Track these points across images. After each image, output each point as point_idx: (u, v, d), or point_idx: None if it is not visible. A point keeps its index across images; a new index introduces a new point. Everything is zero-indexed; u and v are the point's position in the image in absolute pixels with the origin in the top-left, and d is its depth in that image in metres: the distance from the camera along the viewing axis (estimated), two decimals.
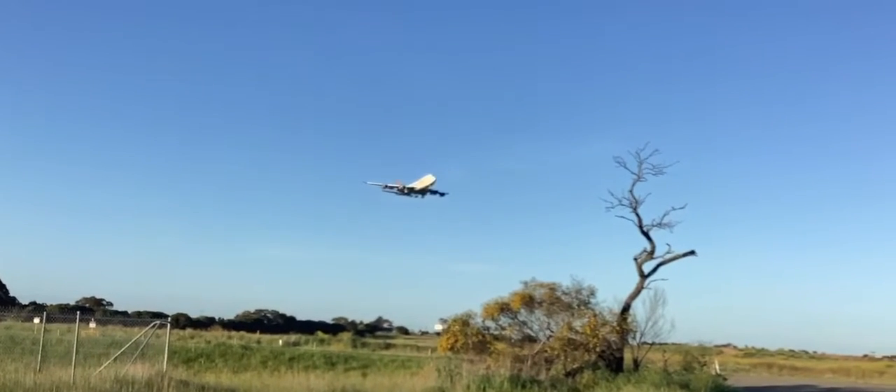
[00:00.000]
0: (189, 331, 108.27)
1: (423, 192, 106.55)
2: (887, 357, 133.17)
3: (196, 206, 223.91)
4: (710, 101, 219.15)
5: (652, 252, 48.65)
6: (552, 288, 46.03)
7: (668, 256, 48.62)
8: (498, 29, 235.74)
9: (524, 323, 47.04)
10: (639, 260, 48.77)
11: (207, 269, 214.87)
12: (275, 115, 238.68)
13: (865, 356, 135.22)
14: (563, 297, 45.84)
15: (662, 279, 48.44)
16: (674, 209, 47.76)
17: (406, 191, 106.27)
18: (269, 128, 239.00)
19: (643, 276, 48.34)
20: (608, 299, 47.33)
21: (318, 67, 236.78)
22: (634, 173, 49.01)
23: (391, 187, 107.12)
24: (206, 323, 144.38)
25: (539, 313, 46.58)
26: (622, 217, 49.17)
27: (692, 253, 49.15)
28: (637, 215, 48.89)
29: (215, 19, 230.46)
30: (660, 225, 48.28)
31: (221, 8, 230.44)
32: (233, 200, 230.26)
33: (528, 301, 45.90)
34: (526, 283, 46.52)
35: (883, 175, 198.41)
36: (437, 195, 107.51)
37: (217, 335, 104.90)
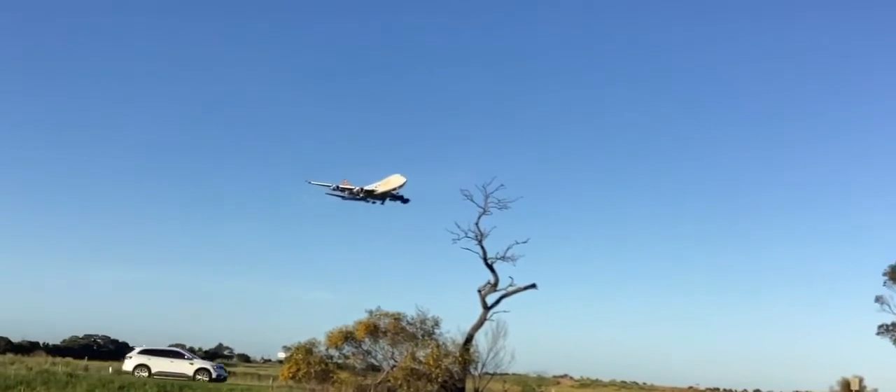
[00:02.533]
0: (10, 356, 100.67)
1: (384, 196, 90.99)
2: (710, 388, 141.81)
3: (17, 222, 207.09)
4: (555, 138, 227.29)
5: (495, 284, 49.82)
6: (397, 318, 46.29)
7: (510, 289, 49.89)
8: (357, 51, 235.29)
9: (368, 352, 47.04)
10: (482, 292, 49.83)
11: (31, 291, 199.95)
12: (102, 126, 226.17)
13: (690, 388, 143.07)
14: (407, 327, 46.19)
15: (504, 311, 49.64)
16: (517, 243, 49.05)
17: (362, 194, 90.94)
18: None
19: (486, 308, 49.37)
20: (452, 330, 47.99)
21: (158, 88, 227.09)
22: (480, 207, 50.09)
23: (342, 189, 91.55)
24: (28, 348, 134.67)
25: (383, 343, 46.68)
26: (468, 249, 50.09)
27: (533, 286, 50.67)
28: (482, 248, 49.97)
29: None
30: (503, 258, 49.50)
31: None
32: (60, 216, 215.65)
33: (373, 330, 45.94)
34: (371, 312, 46.54)
35: (716, 213, 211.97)
36: (400, 201, 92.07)
37: (40, 361, 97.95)
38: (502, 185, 50.36)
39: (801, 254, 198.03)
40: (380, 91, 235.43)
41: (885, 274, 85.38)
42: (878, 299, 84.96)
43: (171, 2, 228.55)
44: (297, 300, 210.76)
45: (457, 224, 50.10)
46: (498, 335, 48.65)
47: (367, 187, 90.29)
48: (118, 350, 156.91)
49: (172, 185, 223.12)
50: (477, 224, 49.99)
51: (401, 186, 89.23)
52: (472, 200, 50.38)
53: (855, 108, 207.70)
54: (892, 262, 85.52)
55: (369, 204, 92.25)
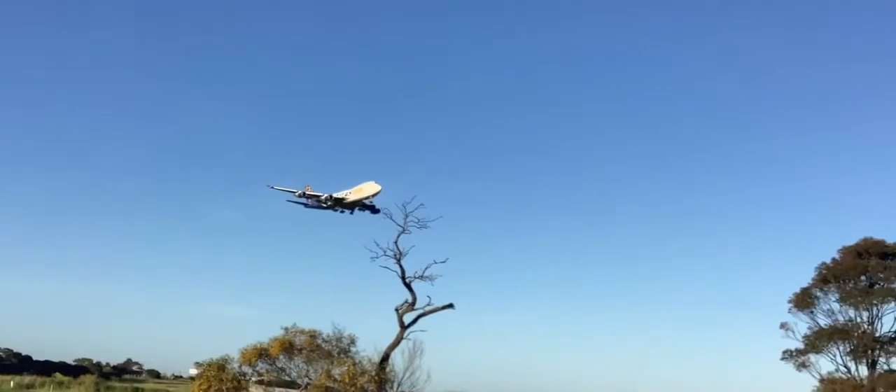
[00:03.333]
0: None
1: (353, 205, 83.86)
2: None
3: None
4: (476, 161, 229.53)
5: (413, 303, 50.08)
6: (313, 335, 46.19)
7: (428, 308, 50.27)
8: (282, 65, 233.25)
9: (283, 369, 46.72)
10: (400, 311, 50.01)
11: None
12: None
13: None
14: (323, 345, 46.13)
15: (422, 330, 49.95)
16: (436, 262, 49.45)
17: (329, 202, 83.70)
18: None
19: (403, 327, 49.55)
20: (368, 348, 48.15)
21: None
22: (400, 226, 50.25)
23: (308, 197, 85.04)
24: None
25: (299, 360, 46.51)
26: (386, 267, 50.17)
27: (451, 306, 51.07)
28: (400, 267, 50.23)
29: None
30: (422, 277, 49.90)
31: None
32: None
33: (289, 347, 45.70)
34: (287, 330, 46.34)
35: (629, 239, 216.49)
36: (370, 211, 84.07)
37: None
38: (422, 205, 50.83)
39: (713, 280, 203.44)
40: (303, 107, 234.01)
41: (790, 301, 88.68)
42: (783, 326, 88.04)
43: None
44: (211, 315, 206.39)
45: (376, 242, 50.21)
46: (414, 354, 49.02)
47: (336, 195, 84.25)
48: (21, 364, 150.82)
49: (82, 197, 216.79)
50: (396, 243, 50.22)
51: (375, 195, 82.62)
52: (391, 219, 50.66)
53: (755, 147, 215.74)
54: (797, 290, 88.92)
55: (337, 213, 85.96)
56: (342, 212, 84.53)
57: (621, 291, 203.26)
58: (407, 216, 50.41)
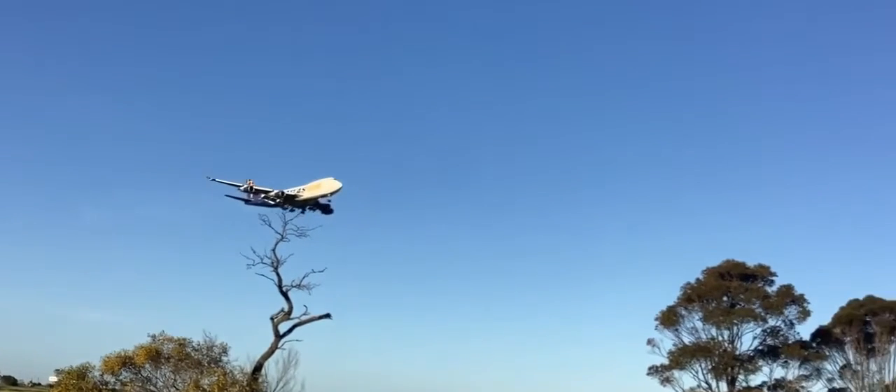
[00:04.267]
0: None
1: (305, 204, 73.18)
2: None
3: None
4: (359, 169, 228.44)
5: (289, 312, 49.38)
6: (182, 343, 44.82)
7: (304, 318, 49.65)
8: (163, 60, 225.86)
9: (148, 379, 45.07)
10: (275, 320, 49.23)
11: None
12: None
13: None
14: (193, 354, 44.82)
15: (297, 340, 49.26)
16: (314, 272, 48.81)
17: (279, 199, 73.39)
18: None
19: (278, 336, 48.80)
20: (241, 358, 47.09)
21: None
22: (278, 233, 49.47)
23: (254, 192, 74.68)
24: None
25: (166, 369, 44.97)
26: (263, 275, 49.24)
27: (328, 316, 50.64)
28: (278, 275, 49.39)
29: None
30: (299, 286, 49.22)
31: None
32: None
33: (155, 356, 44.17)
34: (154, 337, 44.77)
35: (502, 252, 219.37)
36: (322, 211, 73.96)
37: None
38: (302, 213, 50.23)
39: (585, 295, 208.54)
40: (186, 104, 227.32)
41: (656, 319, 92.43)
42: (650, 342, 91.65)
43: None
44: (79, 321, 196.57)
45: (253, 249, 49.16)
46: (289, 364, 48.37)
47: (288, 191, 74.47)
48: None
49: None
50: (274, 250, 49.33)
51: (334, 193, 73.05)
52: (270, 226, 49.77)
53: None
54: (663, 309, 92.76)
55: (287, 212, 72.20)
56: (292, 211, 73.14)
57: (493, 307, 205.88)
58: (286, 224, 49.78)
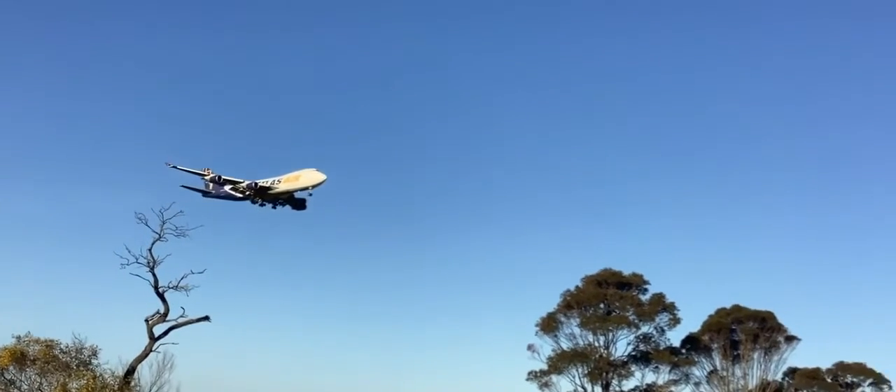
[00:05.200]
0: None
1: (277, 198, 68.63)
2: None
3: None
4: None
5: (165, 314, 48.27)
6: (49, 345, 43.29)
7: (181, 320, 48.57)
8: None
9: (12, 382, 43.32)
10: (150, 321, 48.05)
11: None
12: None
13: None
14: (60, 356, 43.36)
15: (173, 343, 48.25)
16: (192, 273, 47.86)
17: (249, 193, 68.29)
18: None
19: (153, 339, 47.65)
20: (113, 360, 45.78)
21: None
22: (156, 232, 48.32)
23: (221, 183, 69.44)
24: None
25: (32, 372, 43.31)
26: (138, 275, 47.97)
27: (206, 318, 49.72)
28: (154, 275, 48.20)
29: None
30: (176, 287, 48.14)
31: None
32: None
33: (20, 358, 42.49)
34: (19, 338, 43.03)
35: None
36: (293, 207, 69.67)
37: None
38: (182, 212, 49.21)
39: (466, 303, 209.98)
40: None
41: (537, 325, 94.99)
42: (530, 347, 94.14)
43: None
44: None
45: (127, 248, 47.71)
46: (164, 368, 47.36)
47: (261, 182, 68.72)
48: None
49: None
50: (150, 250, 48.07)
51: (317, 186, 67.21)
52: (146, 225, 48.47)
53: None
54: (544, 315, 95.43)
55: (257, 206, 70.32)
56: (261, 205, 69.74)
57: (374, 310, 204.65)
58: (164, 223, 48.47)
